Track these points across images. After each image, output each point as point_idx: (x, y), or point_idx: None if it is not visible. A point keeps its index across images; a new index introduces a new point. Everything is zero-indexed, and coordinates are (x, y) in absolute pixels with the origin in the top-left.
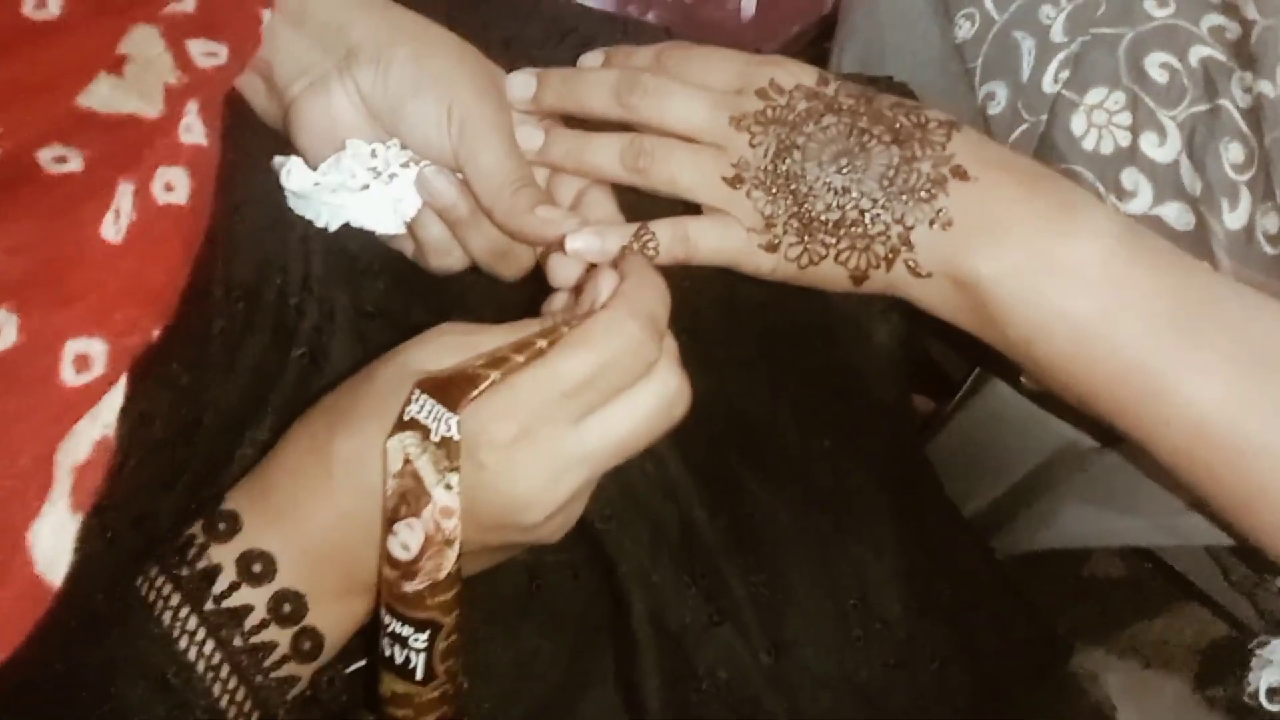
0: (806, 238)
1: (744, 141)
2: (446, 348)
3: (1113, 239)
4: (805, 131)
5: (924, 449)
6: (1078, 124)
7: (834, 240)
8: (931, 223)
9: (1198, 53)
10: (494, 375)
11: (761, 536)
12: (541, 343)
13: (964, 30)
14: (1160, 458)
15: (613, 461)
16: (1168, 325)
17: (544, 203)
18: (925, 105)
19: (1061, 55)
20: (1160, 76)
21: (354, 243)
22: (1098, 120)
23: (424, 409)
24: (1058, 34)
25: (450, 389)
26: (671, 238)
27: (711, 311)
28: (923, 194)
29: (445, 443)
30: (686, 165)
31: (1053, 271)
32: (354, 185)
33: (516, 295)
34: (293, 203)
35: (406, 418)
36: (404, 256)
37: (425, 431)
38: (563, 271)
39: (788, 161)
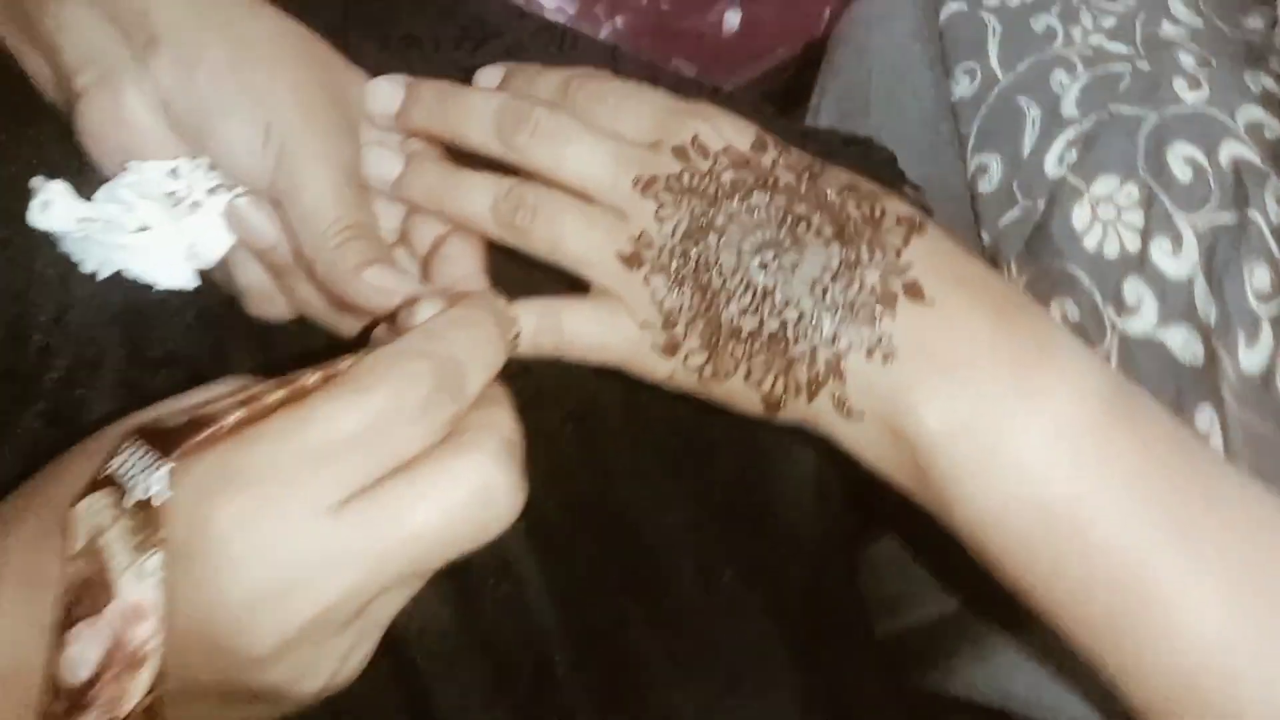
0: (713, 345)
1: (650, 211)
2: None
3: (1098, 402)
4: (727, 210)
5: (855, 579)
6: (1080, 216)
7: (746, 353)
8: (870, 351)
9: (1230, 150)
10: (233, 416)
11: (636, 693)
12: (313, 378)
13: (962, 87)
14: (1131, 671)
15: (391, 573)
16: (1163, 522)
17: (378, 261)
18: (885, 194)
19: (1071, 132)
20: (1183, 173)
21: None
22: (1104, 215)
23: (127, 462)
24: (1070, 106)
25: (170, 434)
26: (539, 325)
27: (609, 397)
28: (864, 312)
29: (143, 508)
30: (575, 231)
31: (1017, 437)
32: (130, 226)
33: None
34: (58, 238)
35: (102, 474)
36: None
37: (122, 493)
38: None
39: (700, 245)
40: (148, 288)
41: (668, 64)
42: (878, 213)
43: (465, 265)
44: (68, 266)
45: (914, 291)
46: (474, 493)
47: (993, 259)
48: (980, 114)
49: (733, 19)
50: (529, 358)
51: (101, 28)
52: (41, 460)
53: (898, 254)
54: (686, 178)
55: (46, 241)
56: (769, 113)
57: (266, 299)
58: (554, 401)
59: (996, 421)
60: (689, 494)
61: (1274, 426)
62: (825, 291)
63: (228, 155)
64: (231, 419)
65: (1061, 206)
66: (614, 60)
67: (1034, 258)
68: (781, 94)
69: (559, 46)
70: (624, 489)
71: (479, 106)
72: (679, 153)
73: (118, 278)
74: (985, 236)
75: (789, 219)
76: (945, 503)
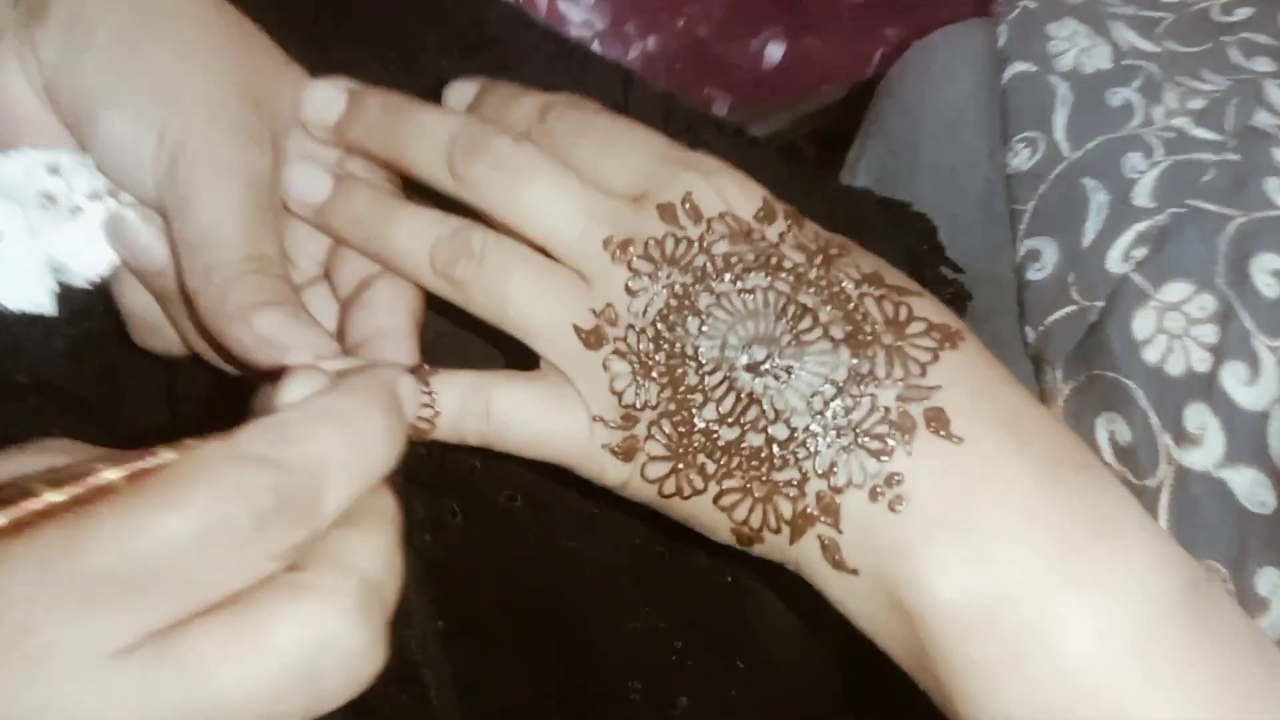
0: (680, 454)
1: (620, 280)
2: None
3: (1161, 607)
4: (715, 290)
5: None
6: (1143, 324)
7: (720, 471)
8: (875, 492)
9: None
10: (57, 496)
11: None
12: (111, 474)
13: (1020, 159)
14: None
15: None
16: None
17: (275, 305)
18: (916, 292)
19: (1142, 225)
20: (1268, 288)
21: None
22: (1172, 326)
23: None
24: (1143, 195)
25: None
26: (464, 406)
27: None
28: (871, 440)
29: None
30: (525, 292)
31: (1054, 633)
32: None
33: None
34: None
35: None
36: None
37: None
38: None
39: (677, 330)
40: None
41: (700, 92)
42: (904, 314)
43: (391, 318)
44: None
45: (939, 422)
46: (305, 655)
47: (1035, 359)
48: (1038, 192)
49: (775, 51)
50: (450, 443)
51: None
52: None
53: (923, 371)
54: (670, 244)
55: None
56: (796, 163)
57: (151, 330)
58: (502, 471)
59: (1029, 608)
60: (652, 599)
61: None
62: (826, 407)
63: (112, 154)
64: (61, 495)
65: (1122, 309)
66: (625, 88)
67: (1084, 364)
68: (821, 138)
69: (565, 64)
70: (576, 585)
71: (432, 126)
72: (666, 212)
73: None
74: (1029, 333)
75: (791, 310)
76: (949, 694)
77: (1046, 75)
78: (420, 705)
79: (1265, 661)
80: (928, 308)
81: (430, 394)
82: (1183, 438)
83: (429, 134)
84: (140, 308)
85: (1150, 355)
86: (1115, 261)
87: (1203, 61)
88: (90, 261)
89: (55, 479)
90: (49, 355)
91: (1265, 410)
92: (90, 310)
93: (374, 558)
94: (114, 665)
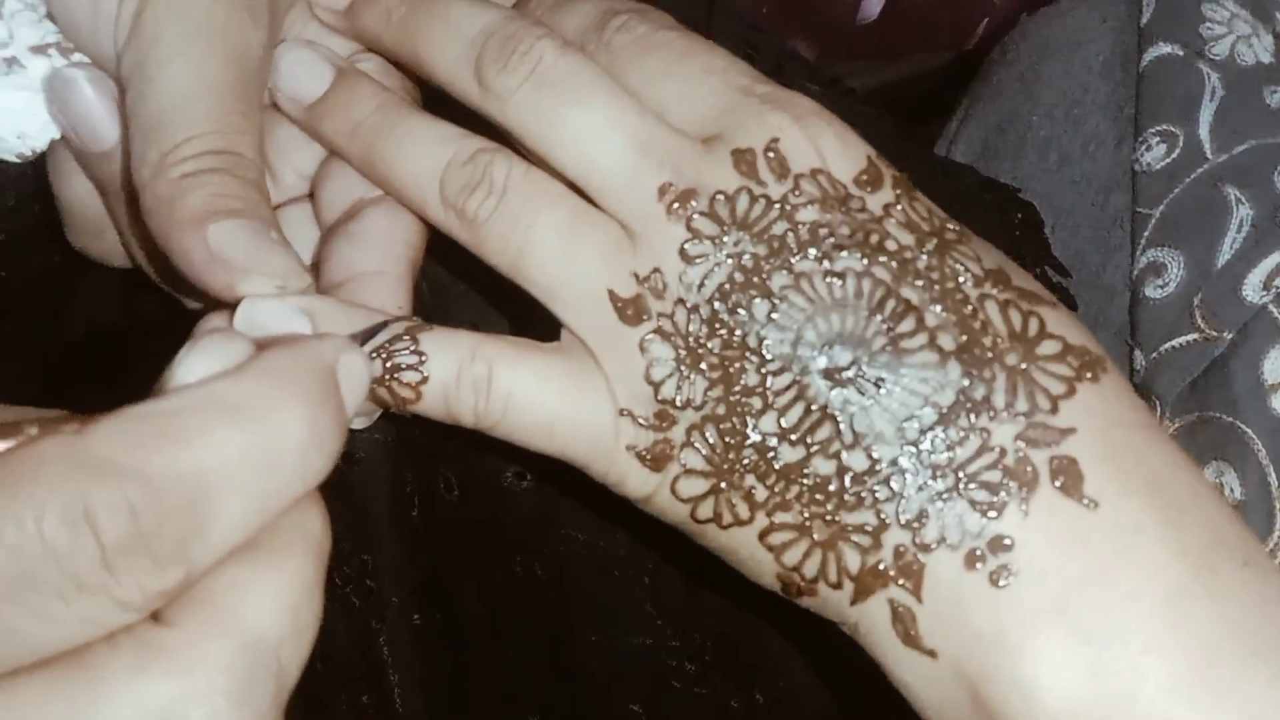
0: (724, 472)
1: (675, 240)
2: None
3: None
4: (796, 267)
5: None
6: (1276, 366)
7: (774, 500)
8: (974, 558)
9: None
10: None
11: None
12: None
13: (1153, 155)
14: None
15: None
16: None
17: (237, 216)
18: (1048, 300)
19: None
20: None
21: None
22: None
23: None
24: None
25: None
26: (458, 375)
27: None
28: (978, 489)
29: None
30: (553, 242)
31: None
32: None
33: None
34: None
35: None
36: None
37: None
38: (198, 364)
39: (741, 314)
40: None
41: (785, 40)
42: (1034, 329)
43: (383, 256)
44: None
45: (1069, 477)
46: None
47: (1143, 387)
48: (1170, 196)
49: (873, 5)
50: (437, 420)
51: None
52: None
53: (1054, 406)
54: (744, 202)
55: None
56: (891, 128)
57: (92, 232)
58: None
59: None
60: (668, 613)
61: None
62: (922, 438)
63: (65, 7)
64: None
65: (1253, 346)
66: (709, 10)
67: (1196, 402)
68: (912, 108)
69: None
70: (579, 584)
71: (461, 19)
72: (743, 160)
73: None
74: (1138, 357)
75: (890, 306)
76: None
77: (1195, 62)
78: (383, 709)
79: None
80: (1064, 323)
81: (420, 355)
82: None
83: (457, 27)
84: (78, 201)
85: (1279, 404)
86: (1253, 289)
87: None
88: (24, 129)
89: None
90: None
91: None
92: (31, 202)
93: (270, 613)
94: None
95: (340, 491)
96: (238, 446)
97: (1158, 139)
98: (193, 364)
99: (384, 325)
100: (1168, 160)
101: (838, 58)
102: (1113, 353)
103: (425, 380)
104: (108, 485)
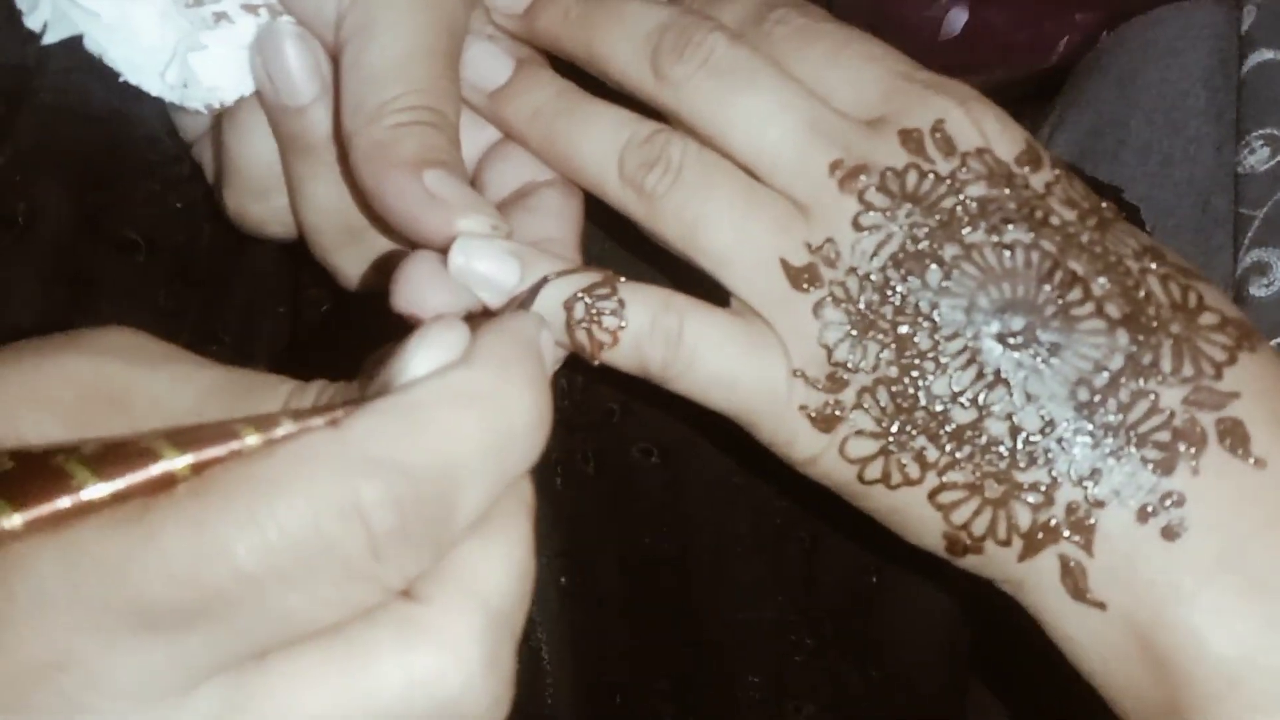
0: (894, 435)
1: (848, 213)
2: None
3: None
4: (967, 239)
5: None
6: None
7: (943, 460)
8: (1146, 513)
9: None
10: (99, 491)
11: None
12: (174, 461)
13: (1257, 158)
14: None
15: None
16: None
17: (446, 165)
18: (1200, 277)
19: None
20: None
21: (142, 112)
22: None
23: None
24: None
25: (23, 479)
26: (652, 326)
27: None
28: (1150, 449)
29: None
30: (727, 214)
31: None
32: None
33: None
34: None
35: None
36: None
37: None
38: (422, 292)
39: (913, 281)
40: (127, 145)
41: None
42: (1194, 301)
43: (556, 227)
44: (14, 89)
45: (1236, 437)
46: (415, 715)
47: None
48: (1275, 197)
49: (957, 19)
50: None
51: None
52: None
53: (1218, 372)
54: (913, 178)
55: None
56: None
57: (258, 190)
58: (642, 421)
59: None
60: (787, 590)
61: None
62: (1092, 401)
63: None
64: (100, 491)
65: None
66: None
67: None
68: None
69: None
70: (701, 558)
71: (636, 17)
72: (910, 139)
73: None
74: None
75: (1058, 276)
76: None
77: None
78: (532, 668)
79: None
80: (1220, 298)
81: (620, 301)
82: None
83: (632, 25)
84: (252, 161)
85: None
86: None
87: None
88: (221, 81)
89: (97, 458)
90: (163, 213)
91: None
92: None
93: (506, 580)
94: (171, 706)
95: None
96: (480, 434)
97: (1261, 142)
98: (425, 355)
99: (585, 273)
100: (1272, 163)
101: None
102: None
103: (624, 326)
104: (374, 480)
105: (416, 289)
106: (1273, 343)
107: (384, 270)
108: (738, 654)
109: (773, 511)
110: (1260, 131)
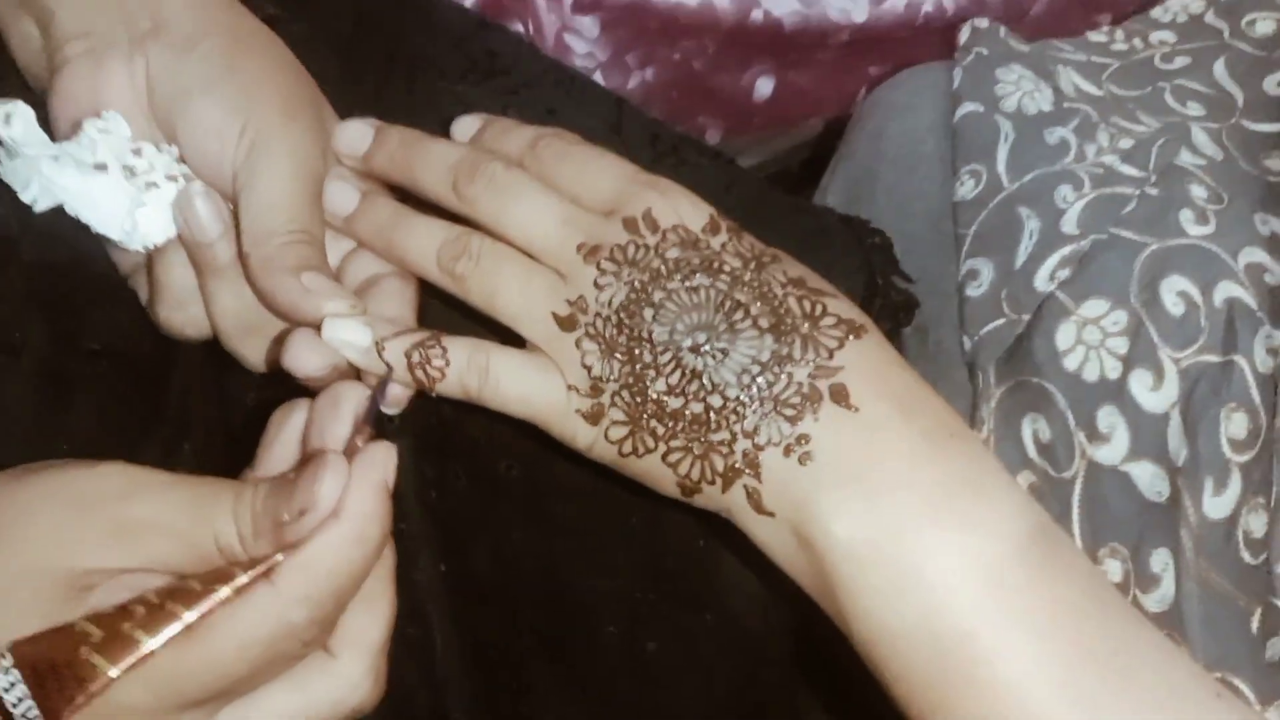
0: (636, 419)
1: (590, 277)
2: (86, 510)
3: (1014, 544)
4: (667, 287)
5: (795, 678)
6: (1064, 336)
7: (668, 433)
8: (788, 449)
9: (1225, 291)
10: (112, 673)
11: None
12: (189, 615)
13: (965, 188)
14: None
15: None
16: (1060, 680)
17: (317, 269)
18: (832, 294)
19: (1067, 250)
20: (1175, 307)
21: (94, 257)
22: (1089, 338)
23: (11, 689)
24: (1070, 223)
25: (51, 678)
26: (467, 364)
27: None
28: (787, 409)
29: None
30: (513, 285)
31: (923, 565)
32: (86, 160)
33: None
34: (2, 164)
35: None
36: None
37: (7, 717)
38: (304, 355)
39: (635, 318)
40: (87, 281)
41: (694, 121)
42: (819, 310)
43: (398, 307)
44: (4, 253)
45: (840, 395)
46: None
47: (971, 364)
48: (979, 218)
49: (765, 86)
50: (453, 398)
51: (104, 8)
52: None
53: (830, 355)
54: (631, 249)
55: None
56: (773, 184)
57: (180, 303)
58: (502, 443)
59: (904, 545)
60: (631, 560)
61: (1229, 579)
62: (752, 382)
63: (201, 136)
64: (113, 672)
65: (1047, 323)
66: (619, 110)
67: (1012, 370)
68: (810, 161)
69: (567, 91)
70: (562, 545)
71: (440, 156)
72: (629, 224)
73: (72, 253)
74: (967, 341)
75: (727, 304)
76: (844, 616)
77: (993, 115)
78: (425, 638)
79: (1098, 596)
80: (840, 306)
81: (444, 350)
82: (1094, 436)
83: (438, 161)
84: (177, 280)
85: (1069, 363)
86: (1042, 281)
87: (1140, 104)
88: (154, 229)
89: (145, 623)
90: (117, 325)
91: (1165, 413)
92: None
93: (379, 627)
94: None
95: None
96: (353, 563)
97: (968, 175)
98: (329, 485)
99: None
100: (976, 191)
101: (741, 129)
102: (950, 341)
103: (448, 363)
104: (298, 609)
105: (301, 353)
106: (985, 329)
107: (278, 343)
108: (595, 612)
109: (613, 500)
110: (967, 168)
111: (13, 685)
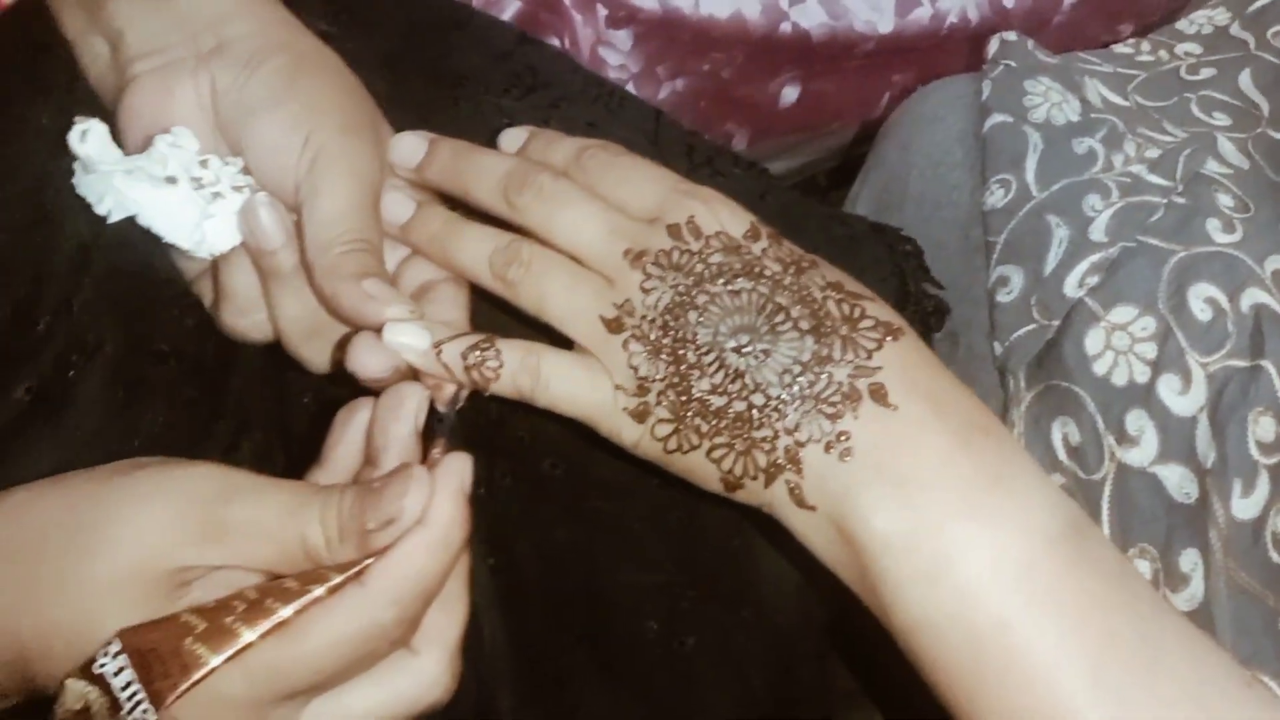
0: (681, 417)
1: (636, 282)
2: (185, 510)
3: (1044, 540)
4: (710, 290)
5: (825, 671)
6: (1094, 342)
7: (712, 430)
8: (828, 446)
9: (1252, 297)
10: (215, 661)
11: None
12: (285, 611)
13: (995, 197)
14: None
15: None
16: (1089, 671)
17: (377, 276)
18: (870, 298)
19: (1096, 257)
20: (1202, 313)
21: (161, 263)
22: (1118, 344)
23: (119, 674)
24: (1098, 231)
25: (156, 664)
26: (520, 365)
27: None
28: (827, 407)
29: None
30: (562, 290)
31: (957, 558)
32: (157, 174)
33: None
34: (78, 177)
35: (96, 668)
36: None
37: (114, 703)
38: (366, 357)
39: (680, 320)
40: (163, 283)
41: (722, 128)
42: (857, 313)
43: (452, 310)
44: (80, 257)
45: (879, 395)
46: (414, 706)
47: (1002, 369)
48: (1009, 226)
49: (791, 93)
50: (506, 397)
51: (170, 28)
52: (28, 439)
53: (869, 356)
54: (676, 255)
55: (63, 233)
56: (804, 192)
57: (244, 309)
58: (547, 443)
59: (938, 538)
60: (670, 557)
61: (1257, 578)
62: (794, 382)
63: (266, 150)
64: (215, 661)
65: (1076, 328)
66: (656, 123)
67: (1043, 374)
68: (836, 169)
69: (605, 105)
70: (604, 541)
71: (490, 167)
72: (673, 231)
73: (138, 271)
74: (997, 346)
75: (769, 307)
76: (883, 606)
77: (1021, 125)
78: (475, 635)
79: (1129, 590)
80: (877, 309)
81: (498, 352)
82: (1124, 439)
83: (488, 172)
84: (243, 287)
85: (1099, 368)
86: (1072, 287)
87: (1166, 114)
88: (220, 237)
89: (246, 617)
90: (183, 329)
91: (1194, 416)
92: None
93: (456, 627)
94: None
95: None
96: (435, 566)
97: (998, 185)
98: (415, 497)
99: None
100: (1006, 200)
101: (767, 135)
102: (981, 347)
103: (502, 365)
104: (388, 610)
105: (364, 356)
106: (1015, 334)
107: (341, 347)
108: (635, 608)
109: (654, 498)
110: (997, 177)
111: (121, 670)
